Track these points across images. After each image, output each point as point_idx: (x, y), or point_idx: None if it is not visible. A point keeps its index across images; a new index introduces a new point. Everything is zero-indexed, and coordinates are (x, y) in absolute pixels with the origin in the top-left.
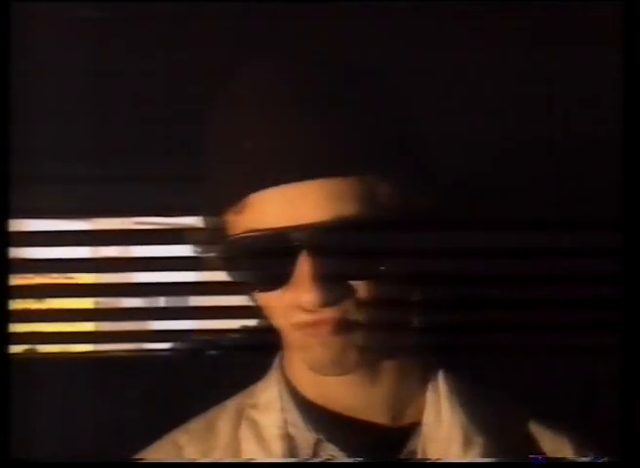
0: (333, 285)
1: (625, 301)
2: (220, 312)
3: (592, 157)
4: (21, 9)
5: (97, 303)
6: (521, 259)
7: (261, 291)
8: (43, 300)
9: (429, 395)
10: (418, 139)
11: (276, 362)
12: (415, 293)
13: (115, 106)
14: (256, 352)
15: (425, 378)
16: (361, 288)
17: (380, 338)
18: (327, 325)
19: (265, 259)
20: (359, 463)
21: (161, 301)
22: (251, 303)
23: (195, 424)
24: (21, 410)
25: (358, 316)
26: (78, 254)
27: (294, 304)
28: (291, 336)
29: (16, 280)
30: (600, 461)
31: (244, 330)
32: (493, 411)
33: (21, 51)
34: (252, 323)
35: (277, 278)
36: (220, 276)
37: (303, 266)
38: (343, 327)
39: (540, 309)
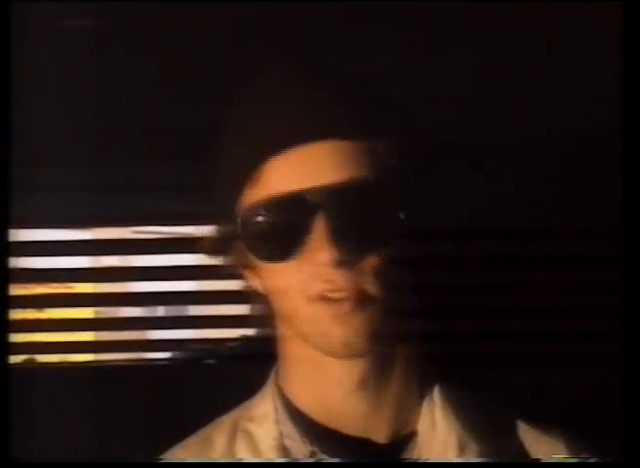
0: (349, 245)
1: (625, 310)
2: (220, 321)
3: (592, 164)
4: (22, 19)
5: (96, 313)
6: (520, 268)
7: (279, 260)
8: (43, 310)
9: (424, 404)
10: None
11: (271, 375)
12: (413, 302)
13: (115, 115)
14: (255, 361)
15: (421, 388)
16: (377, 259)
17: (395, 319)
18: (347, 300)
19: (282, 225)
20: (356, 463)
21: (160, 311)
22: (256, 288)
23: (192, 439)
24: (21, 420)
25: (375, 290)
26: (78, 264)
27: (311, 272)
28: (306, 315)
29: (15, 290)
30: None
31: (243, 339)
32: (487, 419)
33: (22, 59)
34: (251, 332)
35: (294, 243)
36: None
37: (320, 227)
38: (363, 302)
39: (539, 317)
